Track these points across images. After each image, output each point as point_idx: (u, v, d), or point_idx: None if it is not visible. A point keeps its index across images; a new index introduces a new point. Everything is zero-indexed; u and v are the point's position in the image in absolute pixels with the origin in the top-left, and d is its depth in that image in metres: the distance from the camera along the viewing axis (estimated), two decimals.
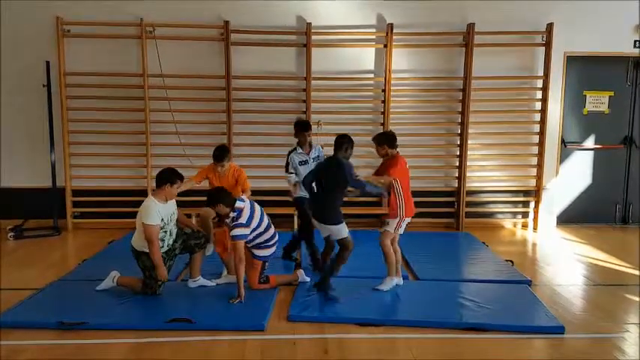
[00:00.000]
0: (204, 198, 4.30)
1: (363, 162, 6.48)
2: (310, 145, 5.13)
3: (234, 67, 6.63)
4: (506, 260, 5.38)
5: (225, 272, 4.70)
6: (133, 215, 4.32)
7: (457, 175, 6.95)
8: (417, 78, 6.80)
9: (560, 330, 3.78)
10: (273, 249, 4.49)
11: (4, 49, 6.57)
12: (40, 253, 5.72)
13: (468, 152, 6.84)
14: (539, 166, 6.91)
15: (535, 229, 7.00)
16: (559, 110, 6.95)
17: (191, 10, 6.58)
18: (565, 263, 5.65)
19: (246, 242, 4.25)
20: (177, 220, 4.40)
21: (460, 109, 6.83)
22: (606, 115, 7.06)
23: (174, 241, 4.37)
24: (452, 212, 7.04)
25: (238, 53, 6.64)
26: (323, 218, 4.34)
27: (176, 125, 6.59)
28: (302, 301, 4.22)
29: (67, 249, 6.12)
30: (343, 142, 4.32)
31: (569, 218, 7.20)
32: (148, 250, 4.13)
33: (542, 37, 6.68)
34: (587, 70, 6.97)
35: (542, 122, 6.80)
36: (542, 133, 6.83)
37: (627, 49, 6.85)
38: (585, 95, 7.03)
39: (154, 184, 4.29)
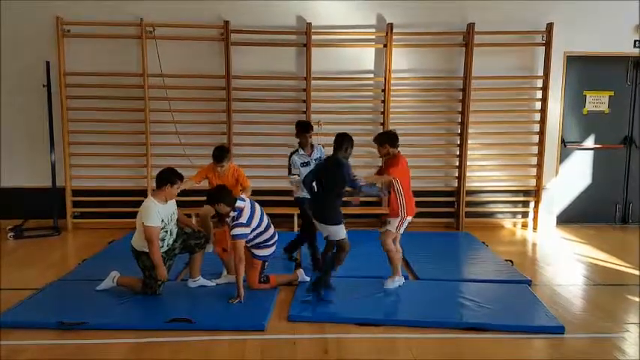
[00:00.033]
0: (204, 198, 4.31)
1: (362, 162, 6.48)
2: (312, 147, 5.13)
3: (234, 67, 6.63)
4: (506, 260, 5.38)
5: (225, 272, 4.70)
6: (133, 215, 4.32)
7: (457, 174, 6.95)
8: (417, 78, 6.80)
9: (560, 330, 3.78)
10: (273, 249, 4.49)
11: (4, 49, 6.57)
12: (40, 253, 5.72)
13: (468, 152, 6.84)
14: (539, 165, 6.90)
15: (535, 228, 7.00)
16: (559, 110, 6.94)
17: (191, 10, 6.57)
18: (565, 263, 5.65)
19: (245, 242, 4.25)
20: (177, 220, 4.40)
21: (460, 109, 6.82)
22: (606, 114, 7.06)
23: (174, 241, 4.37)
24: (452, 212, 7.04)
25: (238, 53, 6.64)
26: (323, 218, 4.34)
27: (176, 125, 6.59)
28: (302, 301, 4.21)
29: (67, 249, 6.12)
30: (343, 141, 4.31)
31: (569, 218, 7.19)
32: (147, 250, 4.13)
33: (542, 36, 6.68)
34: (587, 69, 6.97)
35: (542, 122, 6.80)
36: (542, 133, 6.83)
37: (627, 48, 6.85)
38: (585, 95, 7.03)
39: (154, 184, 4.29)
